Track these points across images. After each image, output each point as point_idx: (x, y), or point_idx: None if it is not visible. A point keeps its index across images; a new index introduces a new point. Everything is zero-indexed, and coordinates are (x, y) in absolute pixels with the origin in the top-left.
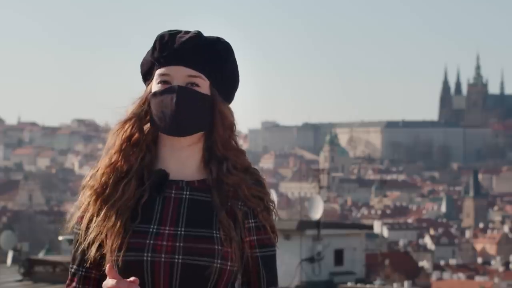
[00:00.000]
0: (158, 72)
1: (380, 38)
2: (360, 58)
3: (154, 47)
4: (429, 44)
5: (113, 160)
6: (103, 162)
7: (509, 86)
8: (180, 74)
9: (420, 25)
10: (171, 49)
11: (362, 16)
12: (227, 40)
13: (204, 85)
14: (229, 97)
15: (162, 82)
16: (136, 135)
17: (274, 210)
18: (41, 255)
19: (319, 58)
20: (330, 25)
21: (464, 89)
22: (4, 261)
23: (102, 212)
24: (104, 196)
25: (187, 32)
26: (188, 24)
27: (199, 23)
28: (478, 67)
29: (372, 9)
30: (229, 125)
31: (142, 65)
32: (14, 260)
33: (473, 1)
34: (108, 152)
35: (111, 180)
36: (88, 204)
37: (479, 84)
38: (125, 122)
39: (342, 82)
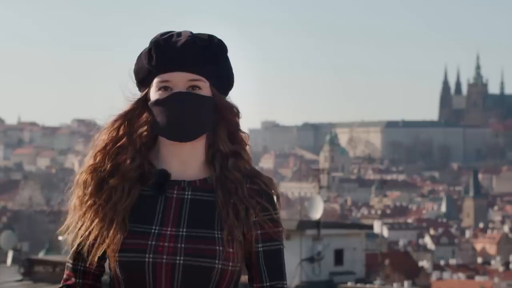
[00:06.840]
0: (157, 79)
1: (380, 38)
2: (360, 58)
3: (150, 55)
4: (429, 44)
5: (97, 160)
6: (88, 161)
7: (509, 86)
8: (181, 80)
9: (420, 25)
10: (169, 55)
11: (362, 16)
12: (222, 37)
13: (205, 87)
14: (227, 93)
15: (163, 88)
16: (124, 137)
17: (278, 203)
18: (41, 255)
19: (319, 58)
20: (330, 25)
21: (464, 89)
22: (4, 261)
23: (99, 213)
24: (96, 196)
25: (179, 35)
26: (187, 24)
27: (198, 23)
28: (478, 67)
29: (372, 9)
30: (236, 112)
31: (137, 72)
32: (14, 260)
33: (473, 1)
34: (93, 150)
35: (99, 181)
36: (81, 204)
37: (479, 84)
38: (114, 121)
39: (342, 82)
